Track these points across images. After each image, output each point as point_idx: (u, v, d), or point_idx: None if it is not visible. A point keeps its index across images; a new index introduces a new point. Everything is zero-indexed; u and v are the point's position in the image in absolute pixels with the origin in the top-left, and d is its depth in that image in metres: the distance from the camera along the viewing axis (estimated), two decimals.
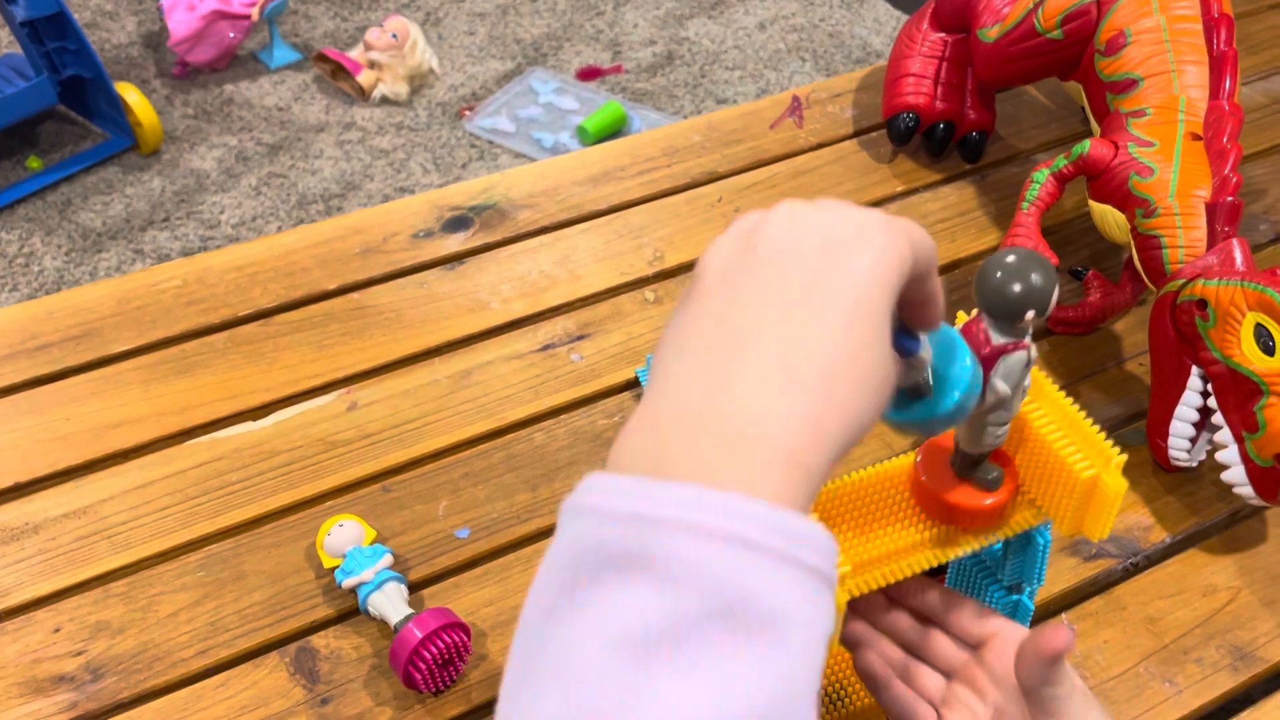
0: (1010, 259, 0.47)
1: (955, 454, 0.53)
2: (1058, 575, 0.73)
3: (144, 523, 0.74)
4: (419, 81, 2.17)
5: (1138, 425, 0.82)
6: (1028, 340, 0.48)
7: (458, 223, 0.96)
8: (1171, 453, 0.77)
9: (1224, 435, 0.72)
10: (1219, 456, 0.72)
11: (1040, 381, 0.54)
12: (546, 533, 0.74)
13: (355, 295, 0.90)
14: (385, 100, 2.13)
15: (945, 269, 0.94)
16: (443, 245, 0.94)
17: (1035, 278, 0.47)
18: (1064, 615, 0.71)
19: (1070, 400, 0.53)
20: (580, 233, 0.96)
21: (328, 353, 0.85)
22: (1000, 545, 0.59)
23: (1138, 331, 0.88)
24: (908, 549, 0.53)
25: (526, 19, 2.37)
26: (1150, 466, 0.79)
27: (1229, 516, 0.77)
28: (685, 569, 0.30)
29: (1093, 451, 0.51)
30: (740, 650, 0.30)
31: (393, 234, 0.95)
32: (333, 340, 0.86)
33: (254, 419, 0.81)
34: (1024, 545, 0.57)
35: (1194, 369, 0.74)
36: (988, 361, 0.48)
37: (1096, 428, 0.52)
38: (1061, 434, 0.52)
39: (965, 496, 0.52)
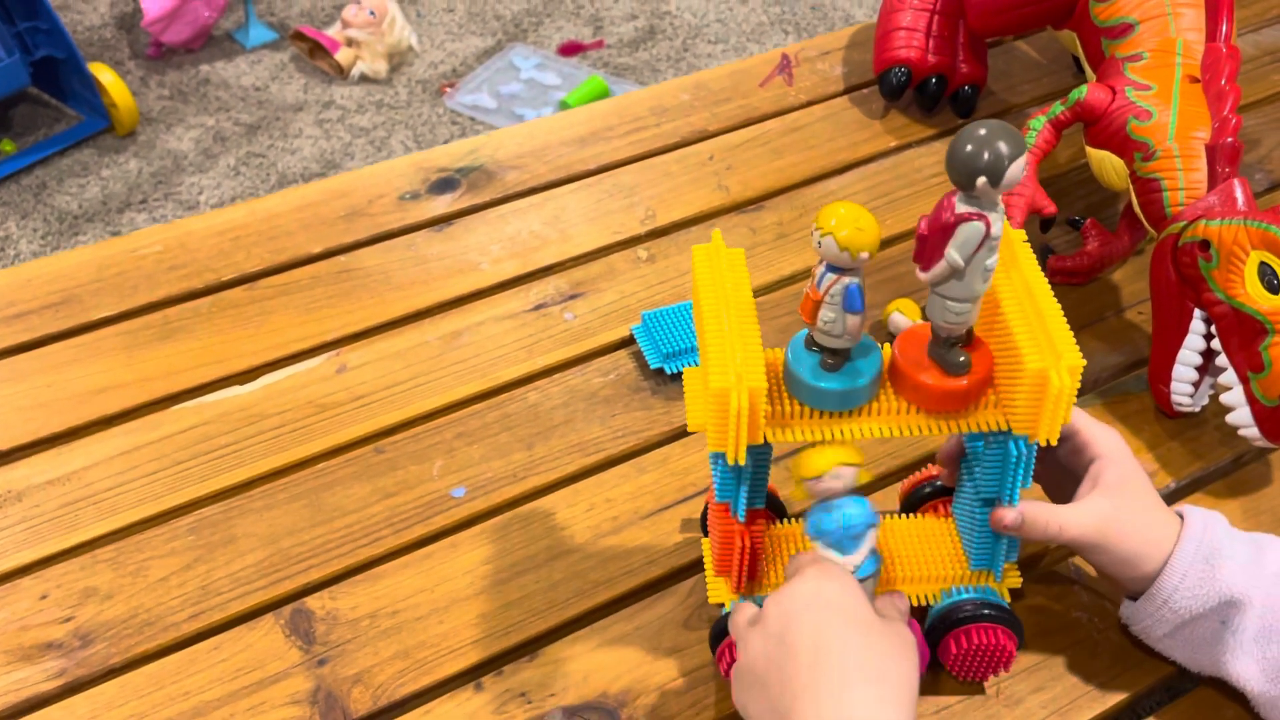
0: (981, 130, 0.48)
1: (931, 340, 0.55)
2: None
3: (131, 488, 0.72)
4: (398, 59, 2.15)
5: (1139, 373, 0.81)
6: (991, 216, 0.49)
7: (444, 184, 0.94)
8: (1174, 398, 0.76)
9: (1229, 377, 0.71)
10: (1224, 399, 0.72)
11: (1029, 276, 0.54)
12: (543, 490, 0.73)
13: (341, 258, 0.88)
14: (364, 78, 2.11)
15: None
16: (429, 207, 0.92)
17: (998, 145, 0.47)
18: (1071, 561, 0.70)
19: (1052, 297, 0.52)
20: (570, 193, 0.94)
21: (315, 315, 0.83)
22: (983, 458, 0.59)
23: (1136, 281, 0.87)
24: (869, 418, 0.55)
25: None
26: (1153, 413, 0.78)
27: (1232, 461, 0.76)
28: None
29: (1049, 346, 0.51)
30: None
31: (378, 196, 0.93)
32: (320, 304, 0.84)
33: (241, 383, 0.79)
34: (1000, 454, 0.57)
35: (1196, 312, 0.73)
36: (949, 229, 0.49)
37: (1066, 326, 0.51)
38: (1025, 325, 0.52)
39: (930, 377, 0.54)
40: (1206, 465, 0.76)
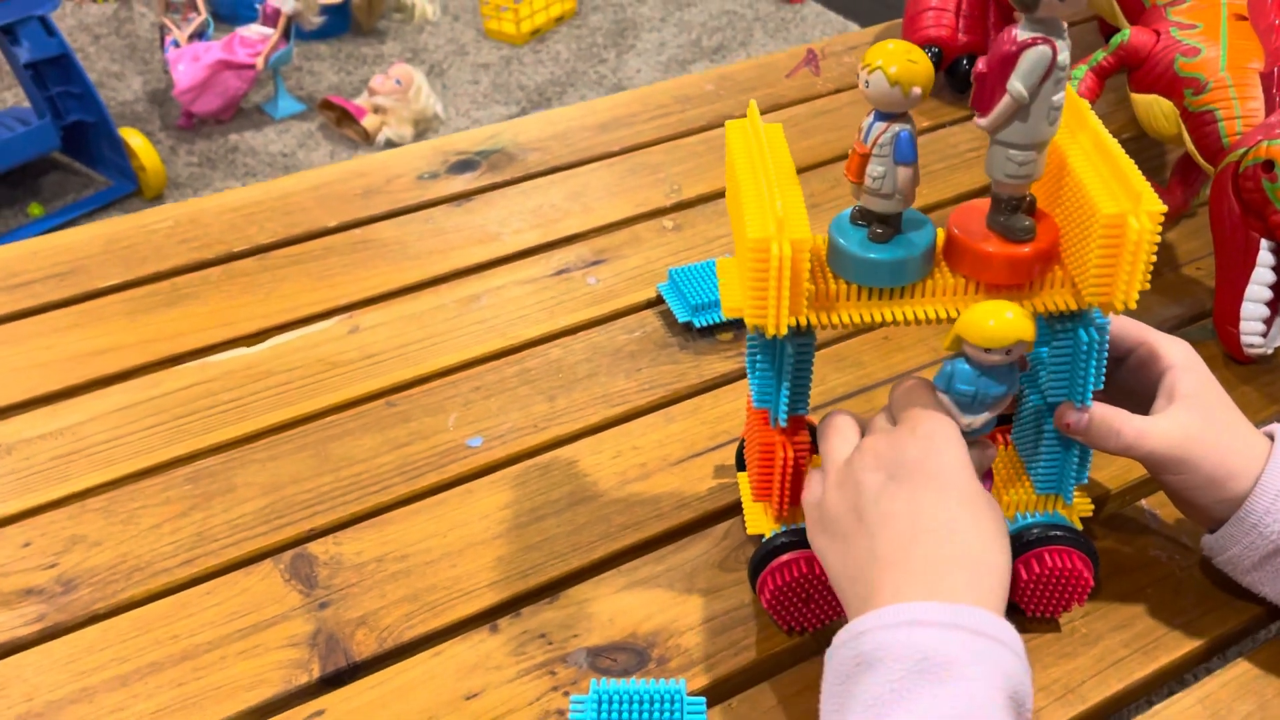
0: None
1: (990, 209, 0.50)
2: (1137, 466, 0.66)
3: (126, 441, 0.68)
4: (424, 126, 2.17)
5: (1203, 322, 0.76)
6: (1059, 43, 0.45)
7: (463, 165, 0.91)
8: (1244, 338, 0.70)
9: None
10: None
11: (1097, 133, 0.49)
12: (566, 440, 0.68)
13: (357, 231, 0.85)
14: (390, 144, 2.12)
15: (977, 193, 0.89)
16: (448, 185, 0.89)
17: None
18: (1143, 502, 0.64)
19: (1124, 152, 0.48)
20: (592, 171, 0.91)
21: (328, 282, 0.80)
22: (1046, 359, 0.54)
23: (1190, 240, 0.83)
24: (923, 299, 0.50)
25: (530, 68, 2.37)
26: (1222, 359, 0.73)
27: None
28: (891, 652, 0.43)
29: (1125, 192, 0.46)
30: (930, 690, 0.42)
31: (396, 176, 0.90)
32: (334, 271, 0.81)
33: (249, 345, 0.75)
34: (1068, 348, 0.52)
35: (1263, 244, 0.69)
36: (1010, 60, 0.45)
37: (1142, 177, 0.47)
38: (1097, 176, 0.48)
39: (991, 245, 0.49)
40: None
